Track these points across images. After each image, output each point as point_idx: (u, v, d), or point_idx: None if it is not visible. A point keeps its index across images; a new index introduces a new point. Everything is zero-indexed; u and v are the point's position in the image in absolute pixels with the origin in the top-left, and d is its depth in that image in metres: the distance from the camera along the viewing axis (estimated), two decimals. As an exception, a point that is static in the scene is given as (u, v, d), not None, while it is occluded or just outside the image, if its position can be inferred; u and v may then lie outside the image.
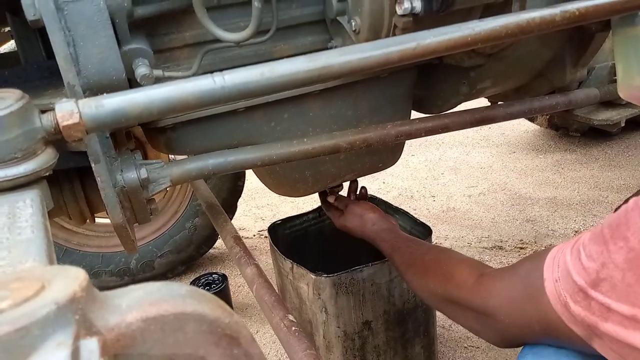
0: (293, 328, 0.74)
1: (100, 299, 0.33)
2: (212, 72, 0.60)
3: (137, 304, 0.33)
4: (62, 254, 1.80)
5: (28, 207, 0.48)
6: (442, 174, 2.60)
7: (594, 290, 0.57)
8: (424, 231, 1.31)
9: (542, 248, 1.53)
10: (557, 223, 2.06)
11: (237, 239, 1.05)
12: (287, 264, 1.24)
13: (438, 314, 1.54)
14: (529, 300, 0.67)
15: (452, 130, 1.06)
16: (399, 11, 0.78)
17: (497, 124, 3.04)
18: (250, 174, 1.64)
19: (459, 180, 2.51)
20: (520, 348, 0.74)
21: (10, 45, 1.60)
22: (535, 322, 0.67)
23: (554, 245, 0.68)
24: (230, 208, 1.92)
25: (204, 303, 0.34)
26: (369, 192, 1.38)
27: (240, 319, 0.36)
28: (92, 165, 0.74)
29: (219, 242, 2.04)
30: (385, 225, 1.14)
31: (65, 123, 0.52)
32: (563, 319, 0.62)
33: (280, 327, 0.76)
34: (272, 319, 0.79)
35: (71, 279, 0.32)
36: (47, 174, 0.59)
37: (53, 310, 0.29)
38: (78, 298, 0.31)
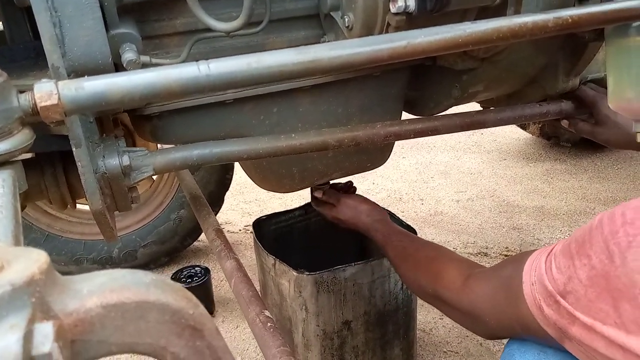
0: (269, 324, 0.73)
1: (60, 283, 0.32)
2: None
3: (99, 289, 0.32)
4: (44, 240, 1.78)
5: (-1, 186, 0.47)
6: (431, 177, 2.60)
7: (563, 298, 0.61)
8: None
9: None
10: (543, 232, 2.07)
11: (219, 232, 1.04)
12: (270, 260, 1.23)
13: (419, 317, 1.54)
14: (509, 303, 0.71)
15: (442, 133, 1.06)
16: (393, 9, 0.77)
17: (489, 130, 3.05)
18: (239, 168, 1.63)
19: (448, 184, 2.51)
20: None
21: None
22: (516, 324, 0.71)
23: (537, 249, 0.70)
24: (217, 201, 1.91)
25: (168, 293, 0.34)
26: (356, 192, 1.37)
27: (205, 311, 0.35)
28: (73, 149, 0.73)
29: (204, 236, 2.03)
30: (379, 217, 1.15)
31: (43, 104, 0.51)
32: (538, 321, 0.65)
33: (256, 323, 0.75)
34: (248, 313, 0.78)
35: (32, 261, 0.31)
36: (24, 155, 0.57)
37: (8, 292, 0.28)
38: (36, 280, 0.30)
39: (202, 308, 0.35)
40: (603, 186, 2.40)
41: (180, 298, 0.34)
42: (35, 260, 0.31)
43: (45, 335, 0.28)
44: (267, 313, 0.77)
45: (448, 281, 0.84)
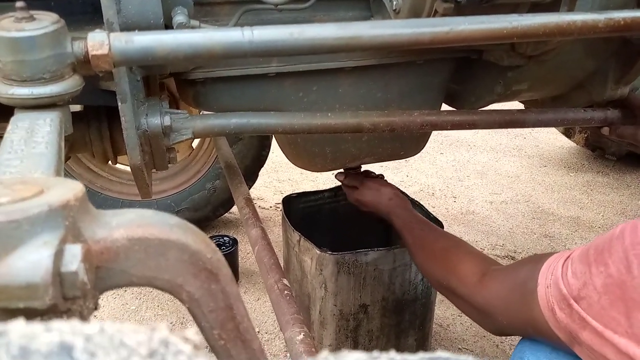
0: (285, 292, 0.75)
1: (92, 213, 0.35)
2: (244, 27, 0.60)
3: (126, 223, 0.34)
4: (85, 194, 1.86)
5: (47, 125, 0.50)
6: (467, 176, 2.57)
7: (576, 303, 0.61)
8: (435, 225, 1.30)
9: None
10: (576, 243, 2.03)
11: (249, 201, 1.06)
12: (295, 235, 1.26)
13: (437, 312, 1.54)
14: (523, 304, 0.71)
15: (480, 128, 1.05)
16: (442, -4, 0.77)
17: (532, 135, 2.99)
18: (275, 147, 1.66)
19: (483, 185, 2.48)
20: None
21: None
22: (527, 325, 0.71)
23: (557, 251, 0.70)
24: (252, 176, 1.95)
25: (189, 235, 0.36)
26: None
27: (222, 257, 0.37)
28: (119, 104, 0.76)
29: (236, 208, 2.07)
30: (401, 203, 1.16)
31: (94, 52, 0.54)
32: (550, 324, 0.65)
33: (274, 289, 0.77)
34: (267, 280, 0.81)
35: (69, 189, 0.34)
36: (74, 107, 0.61)
37: (45, 211, 0.31)
38: (71, 205, 0.32)
39: (219, 254, 0.37)
40: (645, 204, 2.32)
41: (200, 241, 0.36)
42: (72, 188, 0.34)
43: (73, 255, 0.31)
44: (285, 281, 0.79)
45: (463, 275, 0.84)
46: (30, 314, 0.30)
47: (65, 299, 0.31)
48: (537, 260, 0.70)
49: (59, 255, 0.30)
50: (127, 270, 0.34)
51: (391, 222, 1.12)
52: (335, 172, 1.28)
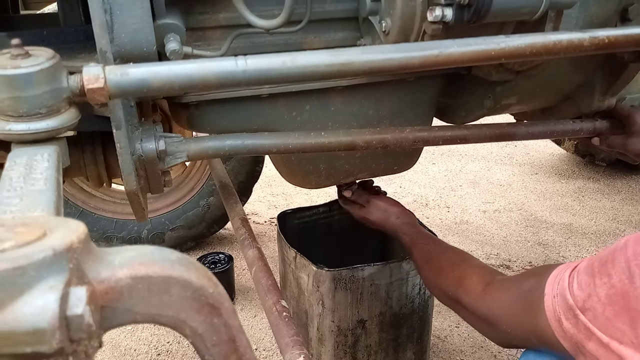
0: (284, 313, 0.76)
1: (95, 253, 0.35)
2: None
3: (129, 262, 0.35)
4: (78, 215, 1.85)
5: (45, 160, 0.50)
6: (460, 186, 2.59)
7: (582, 314, 0.61)
8: (431, 239, 1.31)
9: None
10: (569, 250, 2.04)
11: (244, 221, 1.07)
12: (291, 252, 1.26)
13: (435, 323, 1.54)
14: (528, 314, 0.72)
15: (471, 142, 1.07)
16: (430, 18, 0.78)
17: (523, 143, 3.01)
18: (269, 162, 1.67)
19: (476, 194, 2.50)
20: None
21: (53, 7, 1.65)
22: (532, 335, 0.72)
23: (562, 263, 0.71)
24: (246, 192, 1.95)
25: (191, 271, 0.36)
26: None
27: (224, 291, 0.38)
28: (114, 130, 0.77)
29: (230, 225, 2.07)
30: (407, 220, 1.17)
31: (90, 86, 0.54)
32: (555, 334, 0.66)
33: (272, 311, 0.77)
34: (265, 302, 0.81)
35: (71, 231, 0.34)
36: (68, 133, 0.61)
37: (50, 256, 0.31)
38: (74, 248, 0.33)
39: (221, 288, 0.38)
40: (635, 209, 2.34)
41: (202, 277, 0.37)
42: (74, 230, 0.34)
43: (79, 298, 0.31)
44: (283, 303, 0.79)
45: (469, 286, 0.86)
46: (37, 358, 0.30)
47: (72, 341, 0.31)
48: (542, 272, 0.71)
49: (64, 299, 0.31)
50: (131, 308, 0.35)
51: (398, 239, 1.14)
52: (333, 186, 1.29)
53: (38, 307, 0.29)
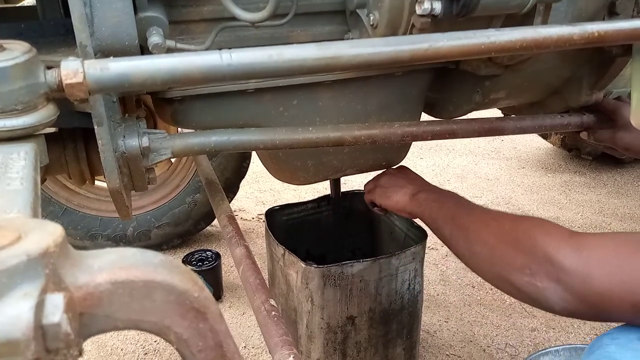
0: (273, 313, 0.75)
1: (73, 257, 0.33)
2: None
3: (109, 266, 0.33)
4: (62, 213, 1.82)
5: (21, 159, 0.48)
6: (447, 180, 2.59)
7: None
8: (420, 234, 1.31)
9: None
10: (556, 244, 2.05)
11: (231, 219, 1.05)
12: (280, 250, 1.25)
13: (424, 318, 1.54)
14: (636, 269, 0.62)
15: (460, 137, 1.06)
16: (419, 11, 0.77)
17: (510, 137, 3.02)
18: (256, 158, 1.65)
19: (464, 188, 2.50)
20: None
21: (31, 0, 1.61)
22: (631, 297, 0.62)
23: None
24: (233, 189, 1.93)
25: (175, 274, 0.35)
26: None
27: (210, 294, 0.36)
28: (95, 127, 0.75)
29: (217, 221, 2.05)
30: (421, 199, 1.09)
31: (68, 81, 0.52)
32: None
33: (261, 310, 0.76)
34: (253, 301, 0.80)
35: (47, 234, 0.33)
36: (46, 130, 0.59)
37: (23, 262, 0.29)
38: (50, 252, 0.31)
39: (207, 292, 0.37)
40: (621, 202, 2.36)
41: (186, 280, 0.35)
42: (50, 233, 0.33)
43: (55, 305, 0.29)
44: (272, 302, 0.78)
45: (552, 230, 0.74)
46: (12, 370, 0.28)
47: (48, 351, 0.30)
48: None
49: (40, 306, 0.29)
50: (112, 315, 0.33)
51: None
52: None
53: (11, 316, 0.28)
